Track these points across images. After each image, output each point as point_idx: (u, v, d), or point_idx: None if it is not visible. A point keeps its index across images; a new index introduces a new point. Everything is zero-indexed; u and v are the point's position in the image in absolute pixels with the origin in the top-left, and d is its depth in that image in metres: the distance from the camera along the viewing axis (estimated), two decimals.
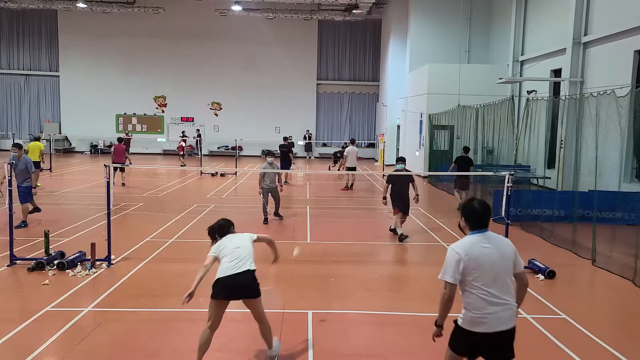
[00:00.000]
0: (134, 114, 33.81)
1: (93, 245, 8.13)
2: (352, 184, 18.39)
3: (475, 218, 3.80)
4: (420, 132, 22.71)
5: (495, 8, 24.18)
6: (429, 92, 21.70)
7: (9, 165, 8.19)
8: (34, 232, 10.35)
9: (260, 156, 32.43)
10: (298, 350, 5.41)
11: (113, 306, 6.54)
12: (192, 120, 33.77)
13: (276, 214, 12.46)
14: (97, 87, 32.91)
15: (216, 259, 4.96)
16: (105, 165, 8.25)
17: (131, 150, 25.23)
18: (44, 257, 8.04)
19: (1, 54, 33.10)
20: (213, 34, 32.63)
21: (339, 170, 21.09)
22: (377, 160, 31.01)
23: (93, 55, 32.77)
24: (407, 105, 25.66)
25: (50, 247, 8.38)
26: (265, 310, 5.07)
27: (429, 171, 20.61)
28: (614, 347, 5.55)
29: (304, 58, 33.36)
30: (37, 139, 18.20)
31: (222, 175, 21.41)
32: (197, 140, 28.04)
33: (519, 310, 3.89)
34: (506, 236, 8.24)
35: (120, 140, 18.45)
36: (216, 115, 33.96)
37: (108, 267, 8.14)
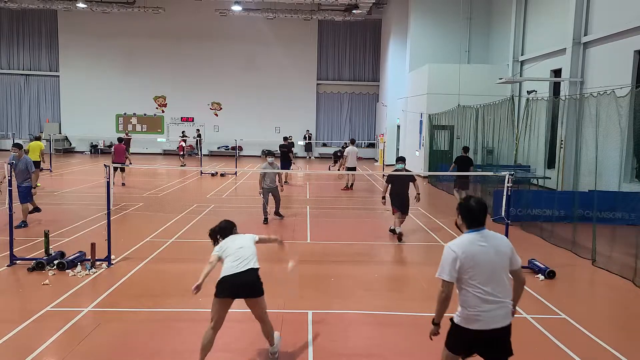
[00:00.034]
0: (134, 114, 33.81)
1: (93, 245, 8.13)
2: (352, 184, 18.40)
3: (472, 216, 3.82)
4: (420, 132, 22.71)
5: (495, 8, 24.19)
6: (429, 92, 21.70)
7: (9, 165, 8.19)
8: (34, 232, 10.35)
9: (260, 156, 32.49)
10: (298, 350, 5.41)
11: (113, 306, 6.55)
12: (192, 120, 33.77)
13: (277, 213, 12.47)
14: (97, 87, 32.91)
15: (220, 258, 4.99)
16: (105, 165, 8.25)
17: (131, 150, 25.23)
18: (44, 257, 8.04)
19: (1, 54, 33.10)
20: (213, 34, 32.63)
21: (339, 170, 21.11)
22: (377, 160, 31.01)
23: (93, 55, 32.77)
24: (407, 105, 25.66)
25: (50, 247, 8.38)
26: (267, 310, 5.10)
27: (429, 171, 20.61)
28: (614, 347, 5.56)
29: (304, 58, 33.36)
30: (38, 138, 18.20)
31: (222, 175, 21.41)
32: (197, 140, 28.04)
33: (518, 309, 3.89)
34: (506, 236, 8.29)
35: (120, 140, 18.45)
36: (216, 115, 33.96)
37: (108, 267, 8.14)
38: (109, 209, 8.29)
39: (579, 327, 6.12)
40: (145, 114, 33.85)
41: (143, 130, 33.80)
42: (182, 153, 25.77)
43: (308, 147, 33.30)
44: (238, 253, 4.95)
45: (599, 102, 10.40)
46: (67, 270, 7.79)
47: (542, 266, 8.22)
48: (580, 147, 11.59)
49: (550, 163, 15.14)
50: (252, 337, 5.60)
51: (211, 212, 13.29)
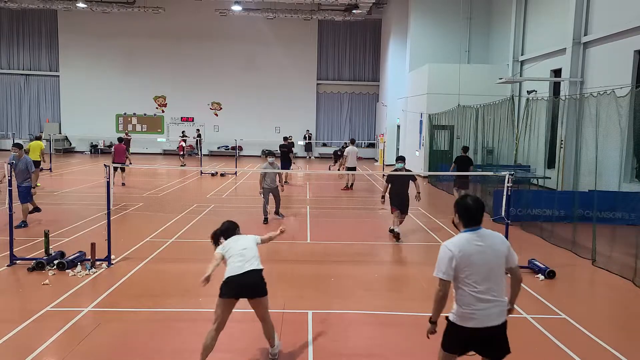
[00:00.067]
0: (134, 114, 33.81)
1: (93, 245, 8.13)
2: (352, 184, 18.40)
3: (469, 215, 3.82)
4: (420, 132, 22.71)
5: (495, 8, 24.19)
6: (429, 92, 21.70)
7: (9, 165, 8.19)
8: (34, 232, 10.35)
9: (260, 156, 32.51)
10: (298, 350, 5.41)
11: (113, 306, 6.55)
12: (192, 120, 33.77)
13: (277, 213, 12.48)
14: (97, 87, 32.91)
15: (223, 257, 5.02)
16: (105, 165, 8.25)
17: (131, 150, 25.22)
18: (44, 257, 8.04)
19: (1, 54, 33.10)
20: (213, 34, 32.63)
21: (339, 170, 21.11)
22: (377, 160, 31.01)
23: (93, 55, 32.77)
24: (407, 105, 25.66)
25: (50, 247, 8.38)
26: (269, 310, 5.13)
27: (429, 171, 20.61)
28: (614, 347, 5.56)
29: (304, 58, 33.36)
30: (39, 138, 18.20)
31: (222, 175, 21.41)
32: (197, 140, 28.05)
33: (518, 308, 3.90)
34: (506, 236, 8.28)
35: (120, 140, 18.44)
36: (216, 115, 33.96)
37: (108, 267, 8.14)
38: (109, 209, 8.29)
39: (579, 327, 6.12)
40: (145, 114, 33.84)
41: (143, 130, 33.80)
42: (182, 153, 25.77)
43: (308, 147, 33.30)
44: (242, 253, 4.98)
45: (599, 102, 10.40)
46: (67, 270, 7.79)
47: (542, 266, 8.22)
48: (580, 147, 11.59)
49: (550, 163, 15.14)
50: (252, 337, 5.60)
51: (211, 212, 13.29)
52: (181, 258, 9.01)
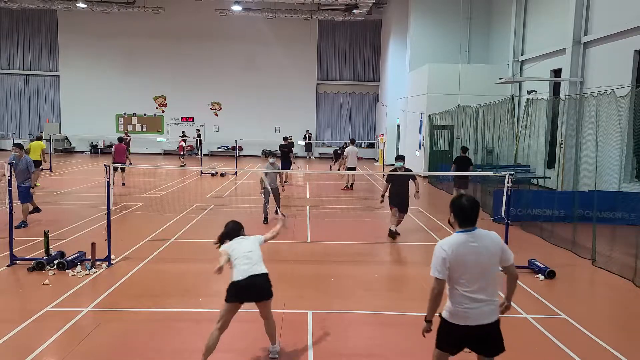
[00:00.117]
0: (134, 114, 33.81)
1: (93, 245, 8.13)
2: (352, 184, 18.40)
3: (464, 215, 3.85)
4: (420, 132, 22.71)
5: (495, 8, 24.18)
6: (429, 92, 21.70)
7: (9, 165, 8.19)
8: (34, 232, 10.35)
9: (260, 156, 32.54)
10: (298, 350, 5.41)
11: (113, 306, 6.54)
12: (192, 120, 33.77)
13: (277, 212, 12.47)
14: (97, 87, 32.91)
15: (229, 258, 5.03)
16: (105, 165, 8.25)
17: (131, 150, 25.20)
18: (44, 257, 8.04)
19: (1, 54, 33.10)
20: (213, 34, 32.63)
21: (339, 170, 21.12)
22: (377, 160, 31.01)
23: (93, 55, 32.77)
24: (407, 105, 25.66)
25: (50, 247, 8.38)
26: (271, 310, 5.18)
27: (429, 171, 20.62)
28: (614, 347, 5.55)
29: (304, 58, 33.36)
30: (39, 138, 18.20)
31: (222, 175, 21.41)
32: (197, 140, 28.05)
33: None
34: (506, 236, 8.30)
35: (120, 140, 18.43)
36: (216, 115, 33.96)
37: (108, 267, 8.14)
38: (109, 209, 8.29)
39: (579, 327, 6.12)
40: (145, 114, 33.85)
41: (143, 130, 33.80)
42: (182, 153, 25.77)
43: (308, 147, 33.31)
44: (247, 256, 5.00)
45: (599, 102, 10.39)
46: (67, 270, 7.79)
47: (542, 266, 8.22)
48: (580, 147, 11.59)
49: (550, 163, 15.14)
50: (253, 337, 5.60)
51: (211, 212, 13.30)
52: (181, 258, 9.01)
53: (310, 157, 33.36)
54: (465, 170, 13.77)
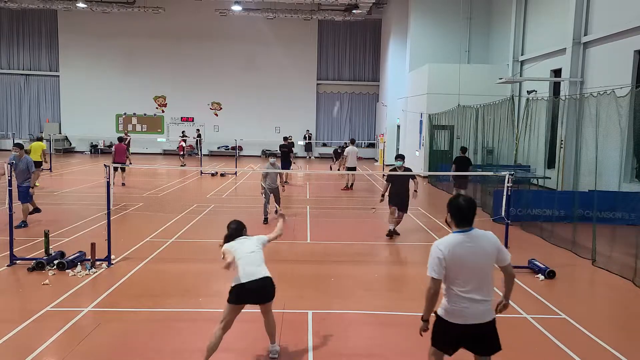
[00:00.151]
0: (134, 114, 33.81)
1: (93, 245, 8.13)
2: (352, 184, 18.40)
3: (461, 215, 3.88)
4: (420, 132, 22.71)
5: (495, 8, 24.18)
6: (429, 92, 21.70)
7: (9, 165, 8.19)
8: (34, 232, 10.35)
9: (260, 156, 32.54)
10: (298, 350, 5.41)
11: (113, 306, 6.55)
12: (192, 120, 33.77)
13: (277, 212, 12.47)
14: (97, 87, 32.90)
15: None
16: (105, 165, 8.26)
17: (131, 150, 25.21)
18: (44, 257, 8.04)
19: (1, 54, 33.09)
20: (213, 34, 32.62)
21: (339, 170, 21.13)
22: (377, 160, 31.01)
23: (93, 55, 32.77)
24: (407, 105, 25.66)
25: (50, 247, 8.38)
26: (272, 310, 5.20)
27: (429, 171, 20.62)
28: (614, 347, 5.56)
29: (304, 58, 33.36)
30: (40, 139, 18.19)
31: (222, 175, 21.41)
32: (197, 140, 28.04)
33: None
34: (506, 236, 8.30)
35: (120, 139, 18.43)
36: (216, 115, 33.96)
37: (108, 267, 8.14)
38: (109, 209, 8.29)
39: (579, 327, 6.12)
40: (145, 114, 33.84)
41: (143, 130, 33.80)
42: (182, 153, 25.77)
43: (308, 147, 33.31)
44: (249, 258, 4.99)
45: (599, 102, 10.39)
46: (67, 270, 7.79)
47: (542, 266, 8.22)
48: (580, 147, 11.58)
49: (550, 163, 15.14)
50: (253, 337, 5.61)
51: (211, 212, 13.30)
52: (181, 258, 9.01)
53: (310, 157, 33.36)
54: (465, 169, 13.84)
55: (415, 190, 10.85)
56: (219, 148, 33.37)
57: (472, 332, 3.84)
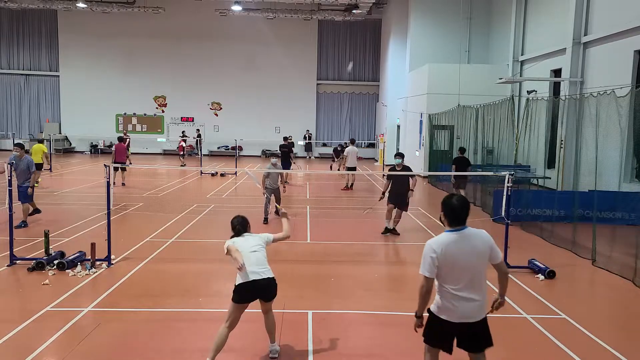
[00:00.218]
0: (134, 114, 33.81)
1: (93, 245, 8.13)
2: (352, 184, 18.41)
3: (454, 214, 3.95)
4: (420, 132, 22.71)
5: (495, 8, 24.18)
6: (429, 92, 21.70)
7: (9, 165, 8.19)
8: (34, 232, 10.35)
9: (260, 156, 32.55)
10: (298, 350, 5.41)
11: (113, 306, 6.54)
12: (192, 120, 33.77)
13: (277, 212, 12.48)
14: (97, 87, 32.90)
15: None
16: (105, 165, 8.26)
17: (131, 150, 25.21)
18: (44, 257, 8.04)
19: (1, 54, 33.10)
20: (213, 34, 32.62)
21: (339, 169, 21.13)
22: (377, 160, 31.01)
23: (93, 55, 32.77)
24: (407, 105, 25.66)
25: (50, 247, 8.38)
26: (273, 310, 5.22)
27: (429, 171, 20.62)
28: (614, 347, 5.55)
29: (304, 58, 33.36)
30: (41, 141, 18.19)
31: (222, 175, 21.40)
32: (197, 140, 28.04)
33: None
34: (506, 236, 8.30)
35: (120, 139, 18.42)
36: (216, 115, 33.96)
37: (108, 267, 8.14)
38: (109, 209, 8.29)
39: (579, 327, 6.12)
40: (145, 114, 33.84)
41: (143, 130, 33.80)
42: (182, 153, 25.76)
43: (308, 147, 33.31)
44: (253, 257, 4.98)
45: (599, 102, 10.39)
46: (67, 270, 7.79)
47: (542, 266, 8.22)
48: (580, 147, 11.58)
49: (550, 163, 15.15)
50: (253, 337, 5.60)
51: (211, 212, 13.30)
52: (181, 258, 9.01)
53: (310, 157, 33.36)
54: (464, 170, 13.93)
55: (412, 190, 10.87)
56: (219, 148, 33.37)
57: (464, 331, 3.89)
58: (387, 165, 24.85)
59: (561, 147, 14.40)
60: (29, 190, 10.93)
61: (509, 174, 8.22)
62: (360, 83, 34.18)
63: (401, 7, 27.37)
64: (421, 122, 22.53)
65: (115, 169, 17.07)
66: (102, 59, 32.78)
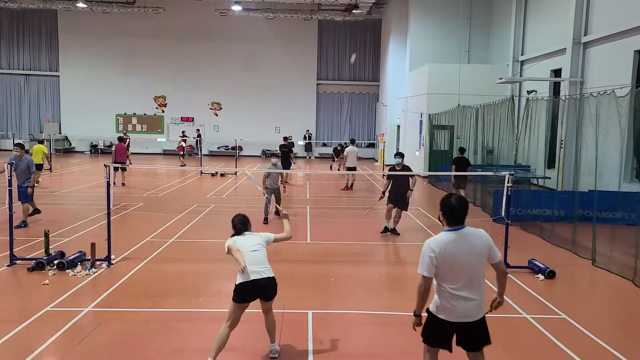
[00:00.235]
0: (134, 114, 33.81)
1: (93, 245, 8.13)
2: (352, 184, 18.41)
3: (452, 214, 3.96)
4: (420, 132, 22.71)
5: (495, 8, 24.18)
6: (429, 92, 21.70)
7: (9, 165, 8.19)
8: (34, 232, 10.35)
9: (260, 156, 32.55)
10: (298, 350, 5.41)
11: (113, 306, 6.54)
12: (192, 120, 33.77)
13: (277, 213, 12.47)
14: (97, 87, 32.90)
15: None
16: (105, 165, 8.26)
17: (131, 150, 25.21)
18: (44, 257, 8.03)
19: (1, 54, 33.09)
20: (213, 34, 32.62)
21: (339, 169, 21.12)
22: (377, 160, 31.01)
23: (93, 55, 32.76)
24: (407, 105, 25.66)
25: (50, 247, 8.38)
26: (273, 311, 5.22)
27: (429, 171, 20.62)
28: (614, 347, 5.55)
29: (304, 58, 33.36)
30: (41, 142, 18.19)
31: (222, 175, 21.40)
32: (197, 140, 28.05)
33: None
34: (506, 236, 8.30)
35: (120, 139, 18.41)
36: (216, 115, 33.96)
37: (108, 267, 8.14)
38: (109, 209, 8.29)
39: (579, 327, 6.12)
40: (145, 114, 33.84)
41: (143, 130, 33.80)
42: (182, 153, 25.76)
43: (308, 147, 33.31)
44: (253, 256, 4.97)
45: (599, 102, 10.39)
46: (67, 270, 7.79)
47: (542, 266, 8.22)
48: (580, 147, 11.59)
49: (550, 163, 15.15)
50: (253, 337, 5.60)
51: (211, 212, 13.30)
52: (181, 258, 9.01)
53: (310, 157, 33.37)
54: (464, 169, 13.96)
55: (411, 190, 10.87)
56: (219, 148, 33.37)
57: (462, 330, 3.91)
58: (387, 165, 24.85)
59: (561, 147, 14.41)
60: (29, 190, 10.92)
61: (509, 174, 8.22)
62: (360, 83, 34.18)
63: (401, 7, 27.37)
64: (421, 122, 22.53)
65: (116, 169, 17.08)
66: (102, 59, 32.78)
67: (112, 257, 8.41)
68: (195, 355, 5.19)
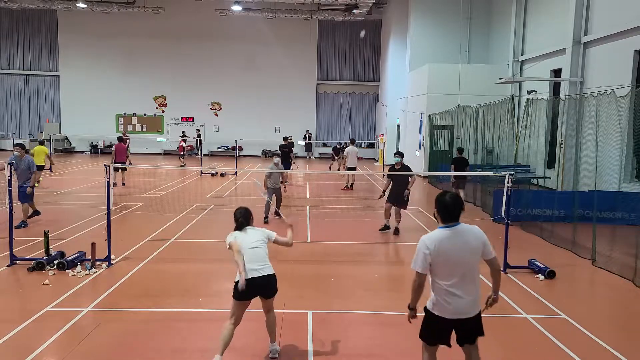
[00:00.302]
0: (134, 114, 33.80)
1: (93, 245, 8.13)
2: (352, 184, 18.41)
3: (447, 211, 3.97)
4: (420, 132, 22.71)
5: (495, 8, 24.18)
6: (429, 92, 21.70)
7: (9, 165, 8.19)
8: (34, 232, 10.35)
9: (260, 156, 32.55)
10: (298, 350, 5.41)
11: (113, 306, 6.54)
12: (192, 120, 33.77)
13: (276, 213, 12.47)
14: (97, 87, 32.90)
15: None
16: (105, 165, 8.26)
17: (131, 150, 25.21)
18: (44, 257, 8.03)
19: (1, 54, 33.09)
20: (213, 34, 32.63)
21: (339, 169, 21.13)
22: (377, 160, 31.02)
23: (93, 55, 32.76)
24: (407, 105, 25.66)
25: (50, 247, 8.38)
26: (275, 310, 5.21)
27: (429, 171, 20.63)
28: (614, 347, 5.55)
29: (304, 58, 33.36)
30: (42, 142, 18.21)
31: (222, 175, 21.40)
32: (197, 140, 28.05)
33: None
34: (506, 236, 8.30)
35: (120, 139, 18.41)
36: (216, 115, 33.96)
37: (108, 267, 8.14)
38: (109, 209, 8.29)
39: (579, 327, 6.12)
40: (145, 114, 33.84)
41: (143, 130, 33.80)
42: (182, 153, 25.76)
43: (308, 147, 33.31)
44: (253, 253, 4.95)
45: (599, 102, 10.39)
46: (67, 270, 7.78)
47: (542, 266, 8.22)
48: (580, 147, 11.59)
49: (550, 163, 15.15)
50: (253, 337, 5.60)
51: (211, 212, 13.29)
52: (181, 258, 9.01)
53: (310, 157, 33.37)
54: (463, 169, 13.99)
55: (408, 189, 10.88)
56: (219, 148, 33.37)
57: (457, 327, 3.95)
58: (387, 165, 24.86)
59: (561, 147, 14.41)
60: (28, 189, 10.91)
61: (509, 174, 8.21)
62: (360, 83, 34.18)
63: (401, 7, 27.37)
64: (421, 122, 22.53)
65: (116, 169, 17.08)
66: (102, 59, 32.78)
67: (112, 257, 8.41)
68: (195, 355, 5.19)
